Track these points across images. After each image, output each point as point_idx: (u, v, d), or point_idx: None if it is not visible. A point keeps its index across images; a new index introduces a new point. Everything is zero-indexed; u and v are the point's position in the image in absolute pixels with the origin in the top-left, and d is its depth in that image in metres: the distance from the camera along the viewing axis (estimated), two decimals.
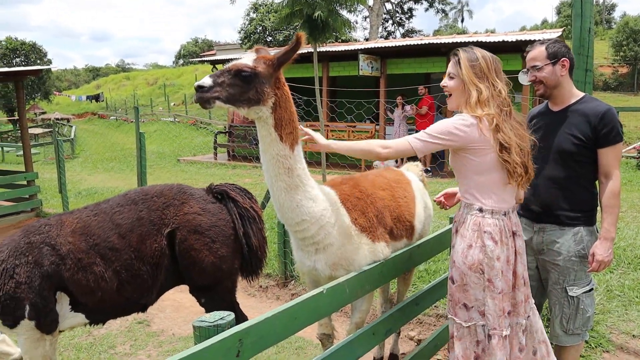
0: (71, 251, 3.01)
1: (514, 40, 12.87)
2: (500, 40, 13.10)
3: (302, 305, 2.38)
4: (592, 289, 2.99)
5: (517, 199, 2.75)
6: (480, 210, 2.59)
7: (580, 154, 2.86)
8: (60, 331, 3.20)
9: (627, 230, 6.60)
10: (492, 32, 29.38)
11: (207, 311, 3.28)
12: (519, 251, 2.64)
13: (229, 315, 2.02)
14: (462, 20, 53.48)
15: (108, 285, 3.05)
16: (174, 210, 3.21)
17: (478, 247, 2.58)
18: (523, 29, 48.59)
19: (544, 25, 52.53)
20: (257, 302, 5.66)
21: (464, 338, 2.66)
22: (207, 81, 2.36)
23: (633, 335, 4.26)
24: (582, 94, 2.99)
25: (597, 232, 2.97)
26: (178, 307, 5.47)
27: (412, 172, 3.80)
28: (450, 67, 2.62)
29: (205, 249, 3.18)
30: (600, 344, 4.13)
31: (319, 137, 2.69)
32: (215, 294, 3.29)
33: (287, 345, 4.48)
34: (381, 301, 4.15)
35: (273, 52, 2.68)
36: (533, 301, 2.79)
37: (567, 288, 2.94)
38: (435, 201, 3.24)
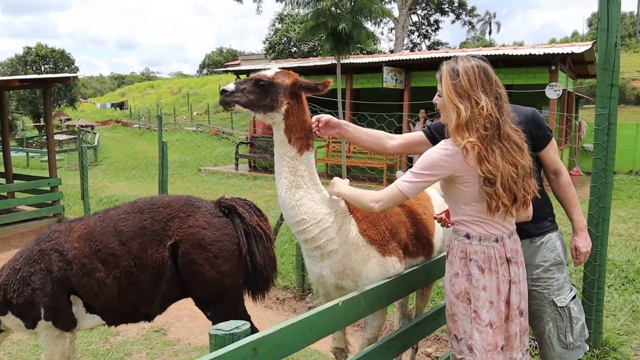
0: (77, 256, 3.10)
1: (542, 53, 12.72)
2: (528, 53, 12.96)
3: (317, 316, 2.39)
4: (575, 295, 2.90)
5: (526, 217, 2.62)
6: (468, 236, 2.48)
7: None
8: (89, 329, 3.34)
9: None
10: (521, 44, 29.18)
11: (215, 324, 3.29)
12: (514, 280, 2.47)
13: (245, 325, 2.07)
14: (490, 33, 53.25)
15: (109, 290, 3.10)
16: (179, 223, 3.21)
17: (464, 276, 2.48)
18: (553, 41, 48.11)
19: (574, 37, 51.95)
20: (273, 315, 5.64)
21: None
22: (230, 87, 2.69)
23: None
24: None
25: (561, 234, 2.95)
26: (195, 316, 5.47)
27: (433, 187, 3.75)
28: (438, 84, 2.51)
29: (207, 263, 3.16)
30: None
31: (337, 180, 2.78)
32: (219, 306, 3.28)
33: (302, 358, 4.45)
34: (399, 316, 4.10)
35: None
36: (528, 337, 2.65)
37: (554, 300, 2.83)
38: (435, 218, 3.05)
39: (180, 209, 3.28)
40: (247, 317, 3.50)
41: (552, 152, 2.88)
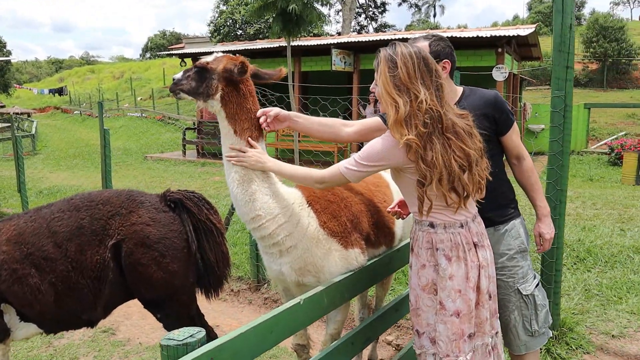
0: (5, 261, 2.82)
1: (488, 35, 12.93)
2: (475, 35, 13.11)
3: (278, 317, 2.24)
4: (539, 282, 2.87)
5: (479, 196, 2.47)
6: (432, 225, 2.36)
7: (488, 148, 2.62)
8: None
9: (603, 228, 6.59)
10: (465, 27, 29.61)
11: (165, 327, 3.11)
12: (483, 264, 2.38)
13: (199, 332, 1.86)
14: (435, 15, 54.04)
15: (45, 297, 2.84)
16: (120, 220, 2.96)
17: (432, 266, 2.38)
18: (495, 24, 49.13)
19: (516, 21, 53.21)
20: (228, 307, 5.44)
21: None
22: (178, 75, 2.64)
23: (612, 336, 4.19)
24: (461, 88, 2.78)
25: (523, 220, 2.90)
26: (145, 313, 5.14)
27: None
28: (375, 72, 2.35)
29: (154, 264, 2.93)
30: (581, 345, 4.04)
31: (265, 157, 2.58)
32: (169, 308, 3.07)
33: (261, 354, 4.29)
34: (359, 306, 4.01)
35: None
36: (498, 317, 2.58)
37: (519, 289, 2.78)
38: (389, 212, 2.96)
39: (122, 205, 3.02)
40: (200, 317, 3.31)
41: (515, 137, 2.78)
